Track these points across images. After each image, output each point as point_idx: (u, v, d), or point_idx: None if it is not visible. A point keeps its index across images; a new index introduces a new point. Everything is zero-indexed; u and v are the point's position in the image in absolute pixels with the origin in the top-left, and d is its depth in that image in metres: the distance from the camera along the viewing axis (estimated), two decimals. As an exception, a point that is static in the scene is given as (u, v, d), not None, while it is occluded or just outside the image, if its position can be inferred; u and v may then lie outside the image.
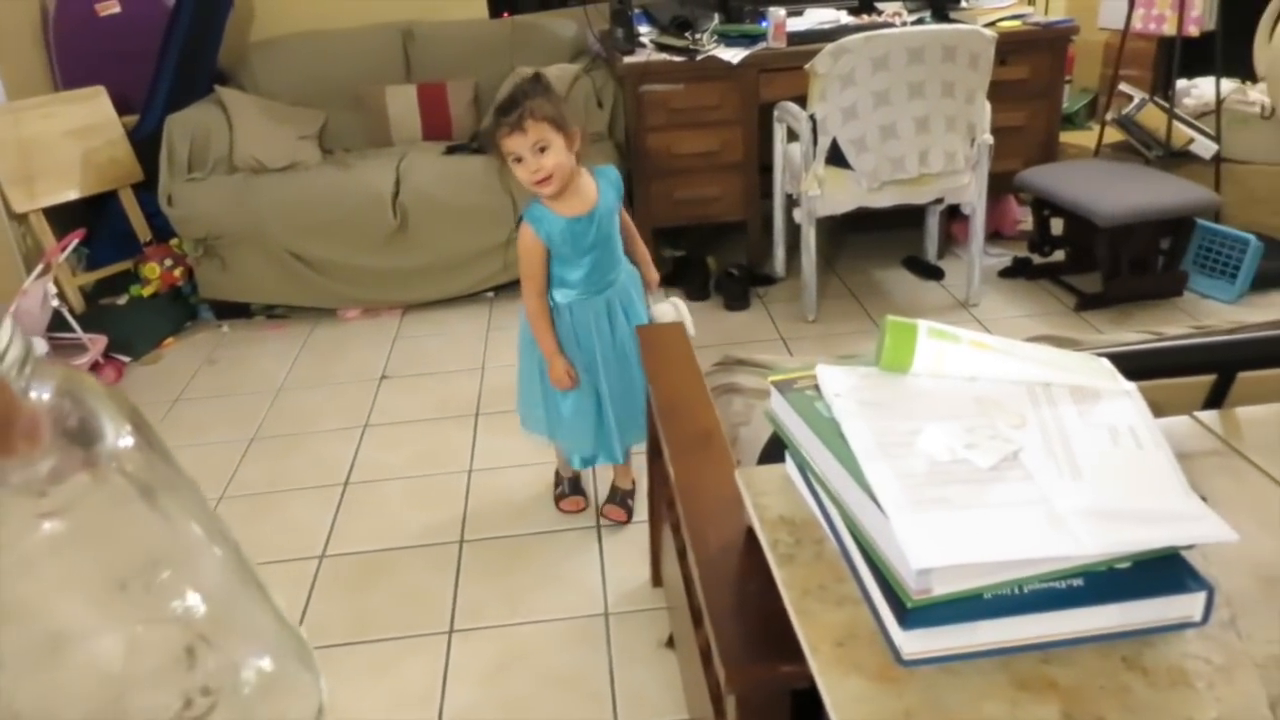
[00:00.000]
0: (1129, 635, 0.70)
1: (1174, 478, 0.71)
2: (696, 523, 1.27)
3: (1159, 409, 1.08)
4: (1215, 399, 1.05)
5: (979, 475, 0.73)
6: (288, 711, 0.62)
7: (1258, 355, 1.01)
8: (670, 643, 1.90)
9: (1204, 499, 0.71)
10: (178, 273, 3.55)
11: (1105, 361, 0.88)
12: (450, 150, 3.60)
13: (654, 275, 2.22)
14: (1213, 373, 1.03)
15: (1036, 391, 0.83)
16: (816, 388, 0.87)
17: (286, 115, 3.71)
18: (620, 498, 2.31)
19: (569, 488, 2.37)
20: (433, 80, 3.83)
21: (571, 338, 2.08)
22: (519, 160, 1.89)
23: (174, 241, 3.57)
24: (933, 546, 0.66)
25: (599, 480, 2.44)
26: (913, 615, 0.68)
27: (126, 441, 0.55)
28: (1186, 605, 0.70)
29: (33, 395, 0.49)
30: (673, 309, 2.11)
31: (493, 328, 3.37)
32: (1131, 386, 0.84)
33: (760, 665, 0.99)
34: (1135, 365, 1.03)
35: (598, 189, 2.00)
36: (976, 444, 0.75)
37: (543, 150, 1.87)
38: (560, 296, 2.05)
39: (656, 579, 2.06)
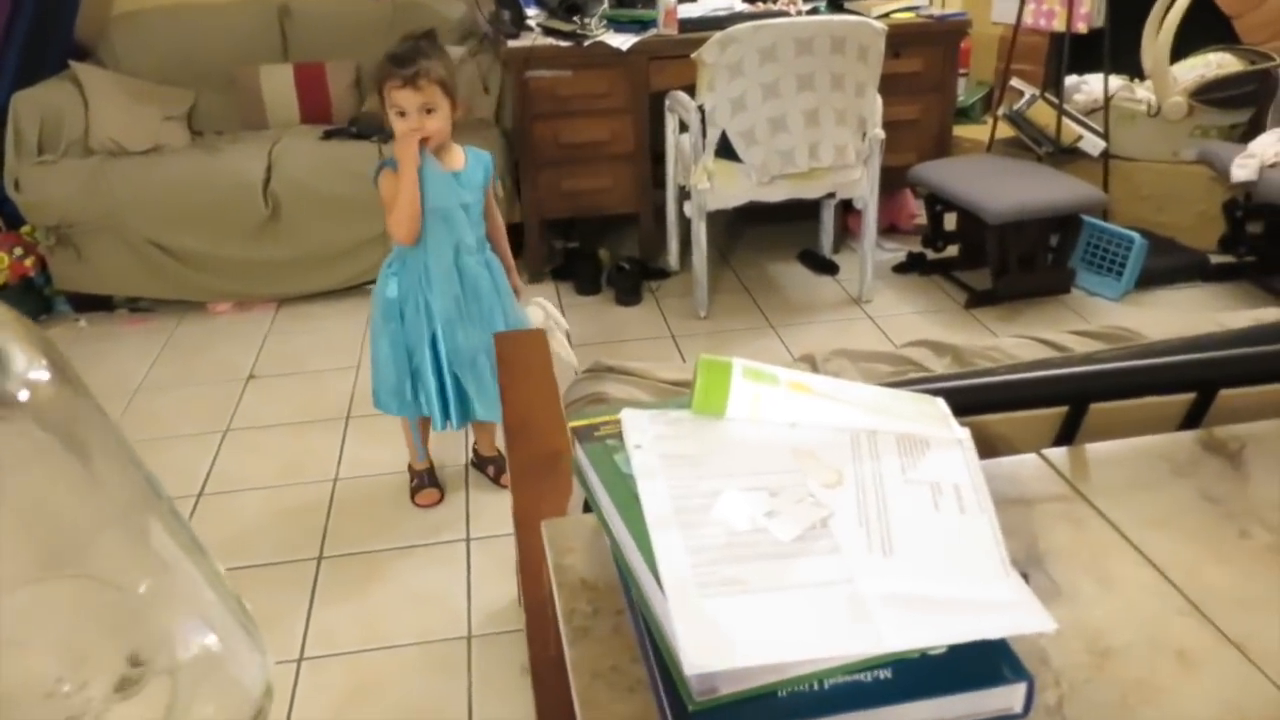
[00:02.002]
0: (943, 732, 0.62)
1: (994, 553, 0.63)
2: (530, 560, 1.17)
3: (1009, 443, 1.01)
4: (1068, 432, 0.99)
5: (781, 549, 0.64)
6: (230, 691, 0.56)
7: (1109, 387, 0.95)
8: (533, 668, 1.79)
9: (1025, 576, 0.63)
10: (29, 263, 3.29)
11: (940, 403, 0.80)
12: (328, 135, 3.41)
13: (518, 282, 2.20)
14: (1063, 405, 0.96)
15: (861, 441, 0.75)
16: (620, 436, 0.77)
17: (151, 94, 3.47)
18: (492, 463, 2.36)
19: (425, 480, 2.28)
20: (311, 60, 3.63)
21: (422, 286, 2.04)
22: (402, 114, 1.90)
23: (25, 229, 3.32)
24: (709, 646, 0.56)
25: (474, 483, 2.33)
26: (694, 721, 0.58)
27: (40, 375, 0.47)
28: (1006, 695, 0.62)
29: None
30: (541, 311, 2.02)
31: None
32: (965, 434, 0.76)
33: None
34: (980, 399, 0.96)
35: (465, 162, 2.03)
36: (780, 510, 0.66)
37: (429, 112, 1.90)
38: (415, 251, 2.04)
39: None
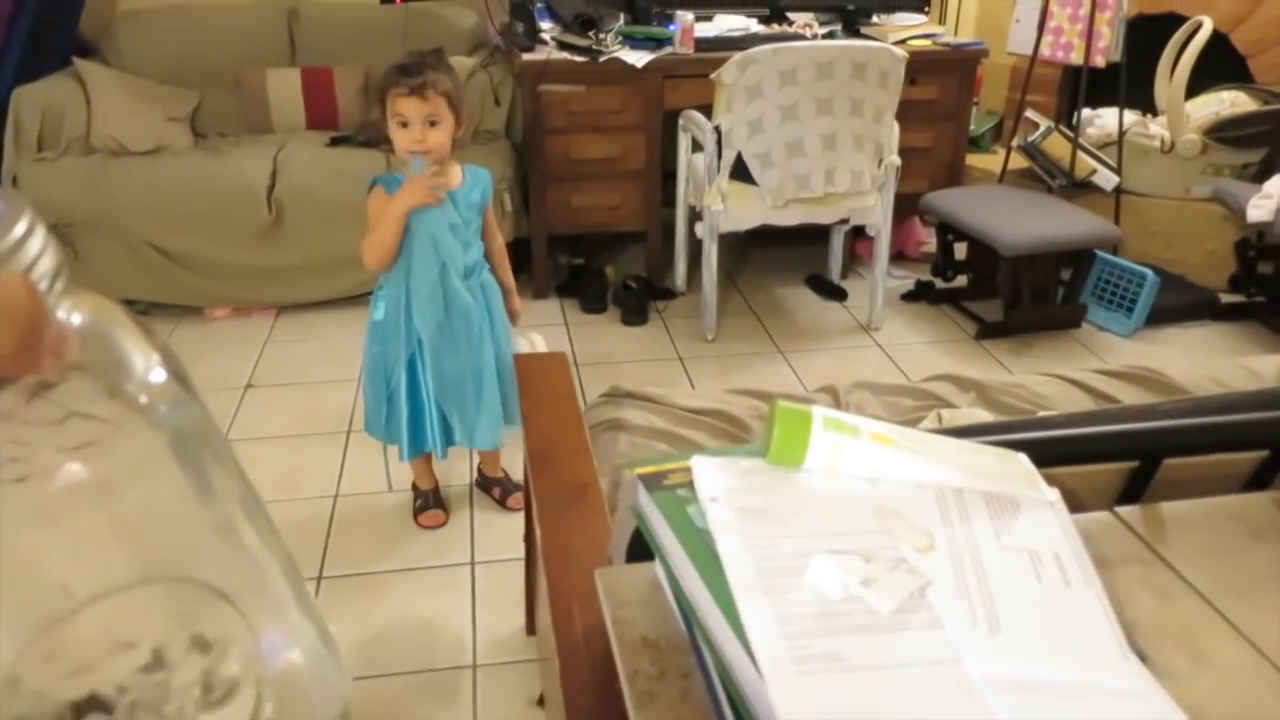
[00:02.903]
0: (1051, 828, 0.57)
1: (1108, 632, 0.59)
2: (561, 597, 1.11)
3: (1076, 499, 0.96)
4: (1134, 488, 0.95)
5: (876, 621, 0.59)
6: (308, 710, 0.57)
7: (1185, 443, 0.91)
8: (542, 701, 1.74)
9: (1143, 658, 0.58)
10: (24, 261, 3.22)
11: (1023, 459, 0.76)
12: (335, 141, 3.36)
13: (517, 306, 2.13)
14: (1135, 460, 0.92)
15: (947, 499, 0.70)
16: (691, 484, 0.72)
17: (155, 94, 3.41)
18: (498, 484, 2.30)
19: (429, 500, 2.23)
20: (319, 65, 3.58)
21: (404, 308, 1.99)
22: (405, 125, 1.84)
23: (21, 226, 3.24)
24: (817, 733, 0.52)
25: (478, 504, 2.27)
26: (790, 811, 0.53)
27: (158, 376, 0.48)
28: (1118, 789, 0.57)
29: (60, 316, 0.43)
30: (527, 344, 1.98)
31: (374, 334, 3.15)
32: (1055, 495, 0.72)
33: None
34: (1052, 452, 0.91)
35: (463, 181, 1.97)
36: (876, 579, 0.61)
37: (433, 124, 1.85)
38: (398, 273, 2.00)
39: (531, 627, 1.90)
